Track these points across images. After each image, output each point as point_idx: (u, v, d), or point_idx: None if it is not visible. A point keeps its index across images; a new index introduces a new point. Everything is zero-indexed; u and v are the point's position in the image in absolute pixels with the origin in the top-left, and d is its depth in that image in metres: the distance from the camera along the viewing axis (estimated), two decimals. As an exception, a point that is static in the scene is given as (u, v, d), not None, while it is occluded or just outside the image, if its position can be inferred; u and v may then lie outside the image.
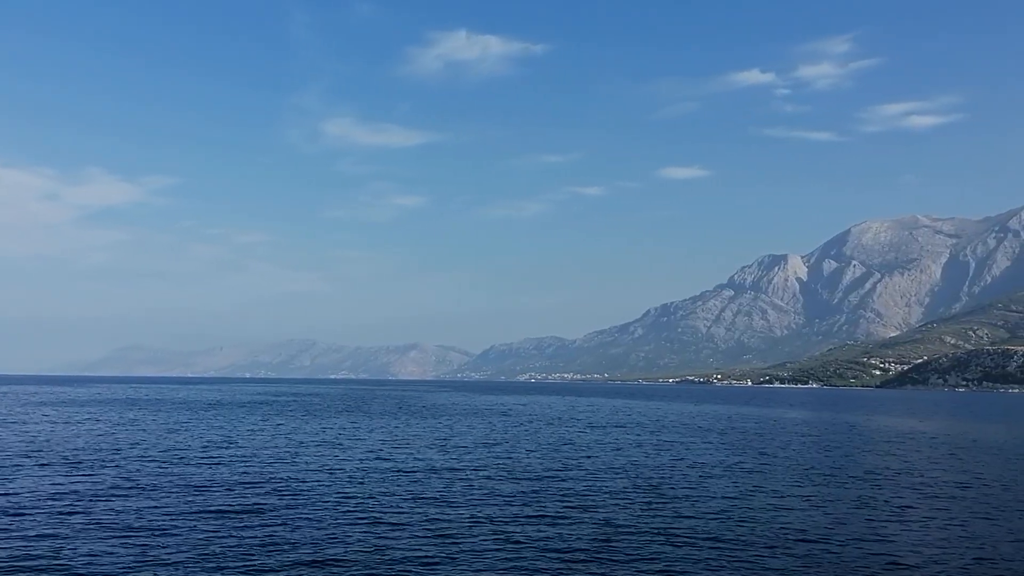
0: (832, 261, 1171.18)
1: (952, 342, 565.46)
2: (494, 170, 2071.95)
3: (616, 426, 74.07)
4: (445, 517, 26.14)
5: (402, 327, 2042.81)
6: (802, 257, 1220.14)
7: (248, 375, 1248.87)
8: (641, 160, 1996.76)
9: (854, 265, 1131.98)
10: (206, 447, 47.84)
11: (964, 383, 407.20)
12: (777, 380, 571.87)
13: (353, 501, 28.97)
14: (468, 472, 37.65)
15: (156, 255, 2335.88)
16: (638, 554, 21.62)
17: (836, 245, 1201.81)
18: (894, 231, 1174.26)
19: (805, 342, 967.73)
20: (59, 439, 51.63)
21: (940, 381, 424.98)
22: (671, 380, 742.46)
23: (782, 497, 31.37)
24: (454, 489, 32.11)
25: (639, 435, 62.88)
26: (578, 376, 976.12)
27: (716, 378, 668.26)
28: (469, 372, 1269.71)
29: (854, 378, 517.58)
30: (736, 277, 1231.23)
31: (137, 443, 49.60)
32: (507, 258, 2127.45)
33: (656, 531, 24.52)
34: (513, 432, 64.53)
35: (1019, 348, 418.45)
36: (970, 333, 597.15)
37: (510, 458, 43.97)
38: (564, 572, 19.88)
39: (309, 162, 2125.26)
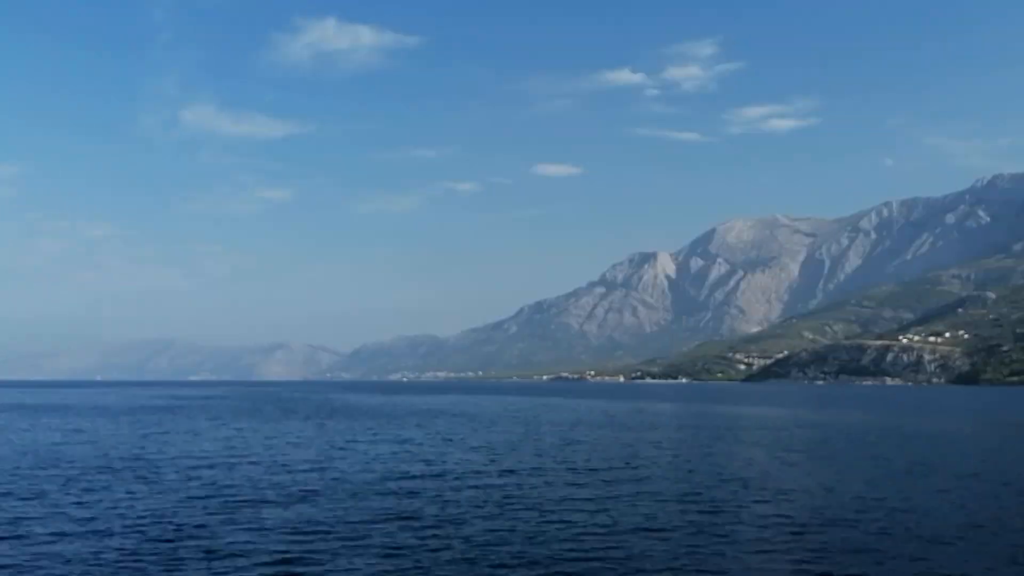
0: (699, 259, 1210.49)
1: (810, 337, 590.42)
2: (365, 163, 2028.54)
3: (601, 426, 62.96)
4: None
5: (267, 326, 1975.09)
6: (671, 255, 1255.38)
7: (99, 378, 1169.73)
8: (515, 156, 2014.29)
9: (719, 263, 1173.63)
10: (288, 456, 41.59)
11: (823, 376, 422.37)
12: (649, 375, 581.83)
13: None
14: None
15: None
16: None
17: (702, 243, 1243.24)
18: (756, 230, 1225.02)
19: (673, 338, 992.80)
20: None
21: (801, 374, 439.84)
22: (545, 377, 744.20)
23: None
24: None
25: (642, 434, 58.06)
26: (452, 374, 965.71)
27: (590, 374, 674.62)
28: (339, 372, 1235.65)
29: (721, 372, 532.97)
30: (608, 274, 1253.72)
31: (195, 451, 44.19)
32: (379, 254, 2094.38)
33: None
34: (525, 431, 60.88)
35: (872, 343, 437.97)
36: (826, 328, 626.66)
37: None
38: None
39: (166, 151, 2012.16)
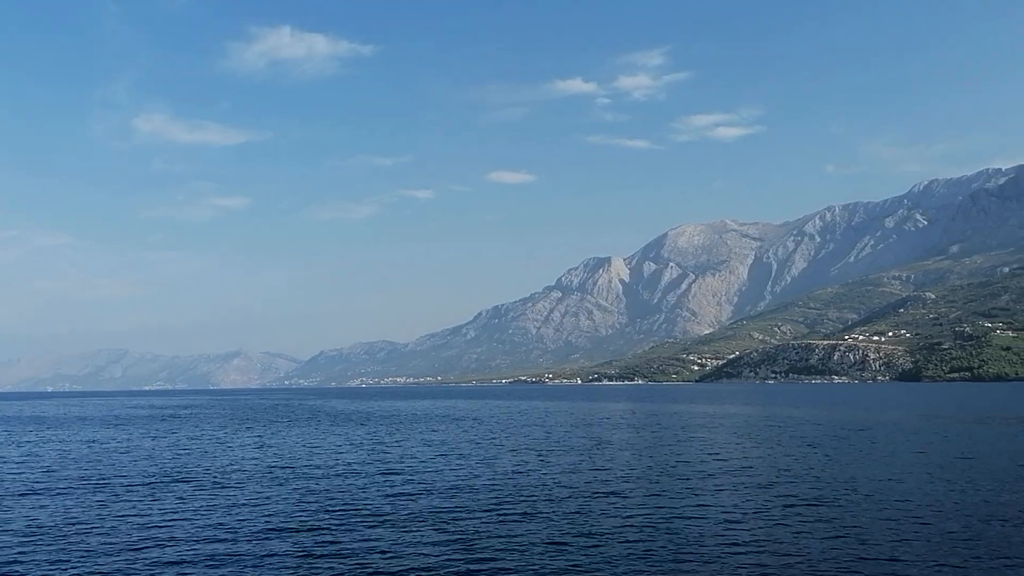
0: (651, 263, 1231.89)
1: (760, 338, 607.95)
2: (321, 171, 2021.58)
3: (618, 427, 73.35)
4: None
5: (224, 334, 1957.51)
6: (624, 259, 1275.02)
7: (50, 389, 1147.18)
8: (470, 164, 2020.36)
9: (671, 267, 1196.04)
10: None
11: (773, 375, 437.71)
12: (605, 378, 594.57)
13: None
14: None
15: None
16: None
17: (655, 248, 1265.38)
18: (706, 235, 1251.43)
19: (628, 340, 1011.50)
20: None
21: (752, 374, 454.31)
22: (504, 381, 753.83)
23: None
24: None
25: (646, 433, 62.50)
26: (411, 380, 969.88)
27: (548, 377, 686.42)
28: (297, 379, 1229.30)
29: (675, 374, 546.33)
30: (563, 279, 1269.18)
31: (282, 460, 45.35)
32: (336, 261, 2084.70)
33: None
34: (547, 433, 65.22)
35: (820, 343, 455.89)
36: (775, 329, 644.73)
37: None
38: None
39: (120, 159, 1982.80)
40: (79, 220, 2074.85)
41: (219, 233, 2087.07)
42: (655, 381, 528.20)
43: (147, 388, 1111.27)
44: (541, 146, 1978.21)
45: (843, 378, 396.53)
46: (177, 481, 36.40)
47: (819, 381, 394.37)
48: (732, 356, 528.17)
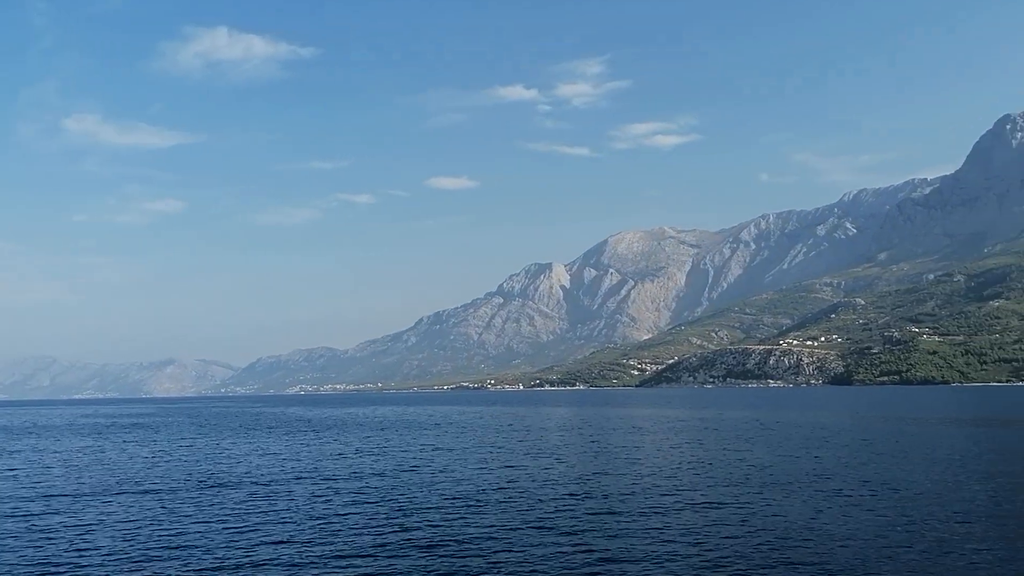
0: (592, 269, 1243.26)
1: (698, 343, 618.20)
2: (260, 175, 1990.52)
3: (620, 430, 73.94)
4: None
5: (157, 341, 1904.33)
6: (565, 265, 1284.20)
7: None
8: (411, 169, 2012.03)
9: (611, 273, 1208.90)
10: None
11: (711, 380, 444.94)
12: (547, 383, 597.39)
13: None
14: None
15: None
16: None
17: (595, 254, 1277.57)
18: (645, 241, 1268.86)
19: (569, 346, 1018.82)
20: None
21: (691, 379, 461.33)
22: (446, 387, 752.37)
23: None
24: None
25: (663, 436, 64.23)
26: (351, 387, 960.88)
27: (490, 383, 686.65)
28: (234, 387, 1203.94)
29: (616, 379, 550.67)
30: (505, 285, 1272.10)
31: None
32: (274, 266, 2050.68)
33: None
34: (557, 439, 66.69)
35: (756, 347, 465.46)
36: (712, 334, 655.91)
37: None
38: None
39: (47, 161, 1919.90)
40: (5, 224, 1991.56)
41: (152, 237, 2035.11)
42: (596, 386, 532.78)
43: (76, 397, 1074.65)
44: (482, 152, 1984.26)
45: (779, 382, 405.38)
46: (216, 487, 37.62)
47: (756, 385, 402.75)
48: (671, 361, 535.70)
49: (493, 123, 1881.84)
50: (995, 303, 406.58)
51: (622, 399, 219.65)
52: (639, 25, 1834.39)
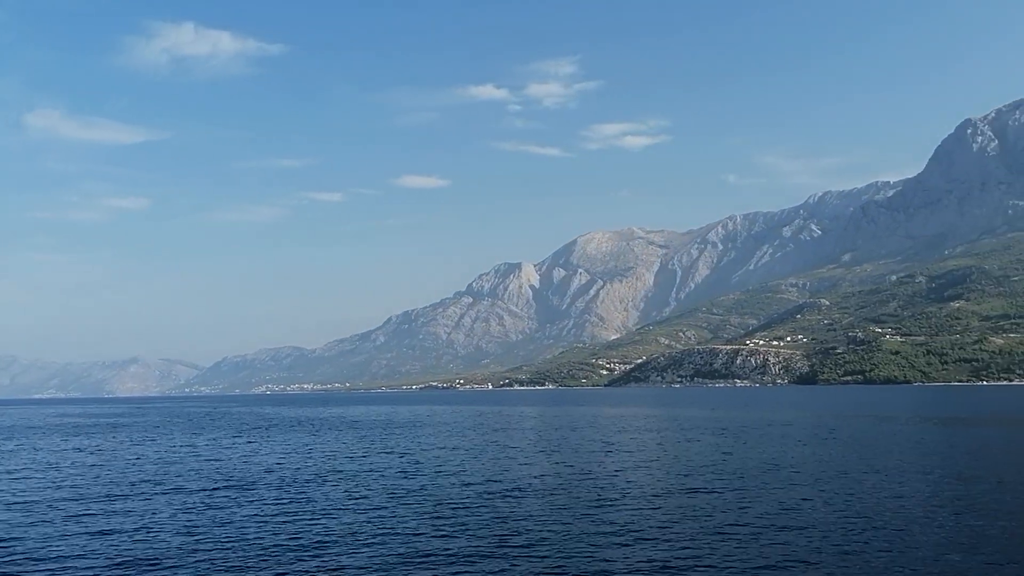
0: (561, 269, 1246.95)
1: (666, 343, 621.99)
2: (225, 172, 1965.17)
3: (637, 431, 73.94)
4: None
5: (120, 340, 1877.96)
6: (535, 265, 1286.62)
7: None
8: (380, 168, 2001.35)
9: (580, 273, 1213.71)
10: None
11: (679, 379, 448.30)
12: (516, 383, 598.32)
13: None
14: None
15: None
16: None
17: (564, 254, 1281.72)
18: (614, 242, 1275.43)
19: (538, 346, 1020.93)
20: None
21: (659, 378, 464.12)
22: (415, 387, 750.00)
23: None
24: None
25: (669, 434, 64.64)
26: (319, 386, 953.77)
27: (459, 383, 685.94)
28: (199, 386, 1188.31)
29: (585, 378, 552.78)
30: (474, 284, 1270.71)
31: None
32: (240, 265, 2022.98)
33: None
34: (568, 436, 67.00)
35: (723, 347, 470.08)
36: (680, 334, 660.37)
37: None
38: None
39: (8, 156, 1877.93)
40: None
41: (115, 235, 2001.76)
42: (566, 386, 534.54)
43: (37, 397, 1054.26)
44: (452, 151, 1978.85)
45: (745, 381, 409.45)
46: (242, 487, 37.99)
47: (723, 385, 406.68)
48: (640, 361, 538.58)
49: (464, 122, 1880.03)
50: (955, 304, 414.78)
51: (592, 398, 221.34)
52: (610, 25, 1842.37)
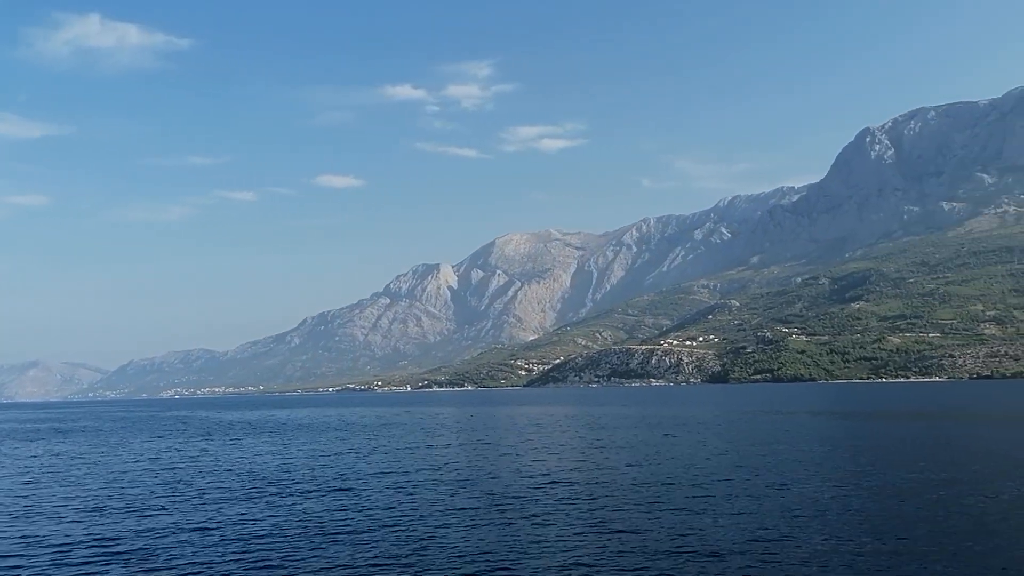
0: (479, 270, 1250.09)
1: (583, 343, 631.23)
2: (132, 169, 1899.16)
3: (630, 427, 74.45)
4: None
5: (19, 343, 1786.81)
6: (453, 266, 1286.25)
7: None
8: (296, 167, 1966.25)
9: (498, 274, 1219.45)
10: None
11: (596, 379, 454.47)
12: (435, 384, 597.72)
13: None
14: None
15: None
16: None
17: (483, 255, 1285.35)
18: (532, 243, 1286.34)
19: (457, 347, 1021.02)
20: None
21: (577, 378, 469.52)
22: (331, 389, 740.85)
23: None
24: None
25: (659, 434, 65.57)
26: (231, 389, 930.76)
27: (377, 385, 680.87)
28: (103, 391, 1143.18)
29: (504, 379, 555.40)
30: (392, 285, 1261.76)
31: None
32: (147, 265, 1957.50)
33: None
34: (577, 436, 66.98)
35: (639, 347, 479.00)
36: (597, 335, 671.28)
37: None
38: None
39: None
40: None
41: (13, 233, 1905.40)
42: (485, 387, 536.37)
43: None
44: (370, 151, 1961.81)
45: (660, 381, 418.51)
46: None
47: (639, 384, 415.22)
48: (558, 361, 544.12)
49: (381, 122, 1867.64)
50: (856, 305, 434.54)
51: (511, 399, 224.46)
52: (527, 29, 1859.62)
